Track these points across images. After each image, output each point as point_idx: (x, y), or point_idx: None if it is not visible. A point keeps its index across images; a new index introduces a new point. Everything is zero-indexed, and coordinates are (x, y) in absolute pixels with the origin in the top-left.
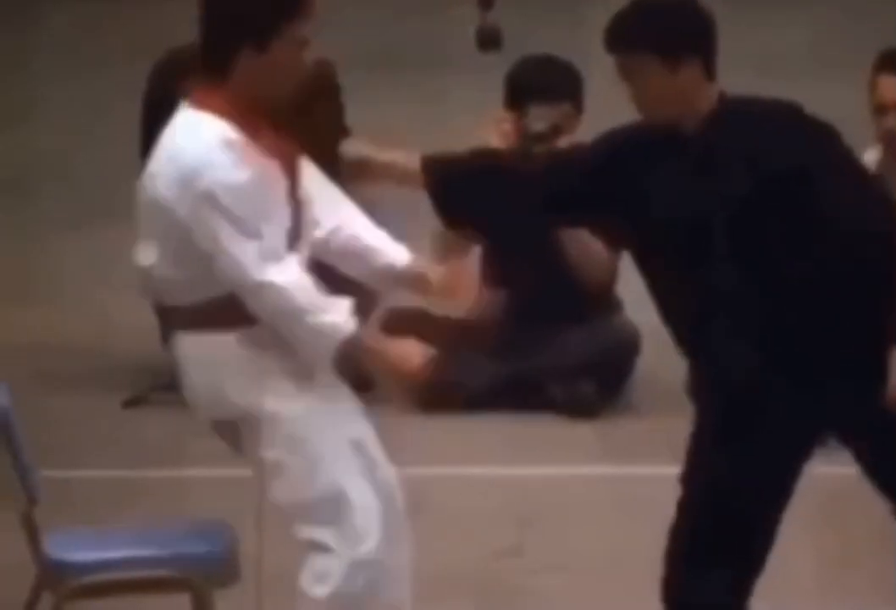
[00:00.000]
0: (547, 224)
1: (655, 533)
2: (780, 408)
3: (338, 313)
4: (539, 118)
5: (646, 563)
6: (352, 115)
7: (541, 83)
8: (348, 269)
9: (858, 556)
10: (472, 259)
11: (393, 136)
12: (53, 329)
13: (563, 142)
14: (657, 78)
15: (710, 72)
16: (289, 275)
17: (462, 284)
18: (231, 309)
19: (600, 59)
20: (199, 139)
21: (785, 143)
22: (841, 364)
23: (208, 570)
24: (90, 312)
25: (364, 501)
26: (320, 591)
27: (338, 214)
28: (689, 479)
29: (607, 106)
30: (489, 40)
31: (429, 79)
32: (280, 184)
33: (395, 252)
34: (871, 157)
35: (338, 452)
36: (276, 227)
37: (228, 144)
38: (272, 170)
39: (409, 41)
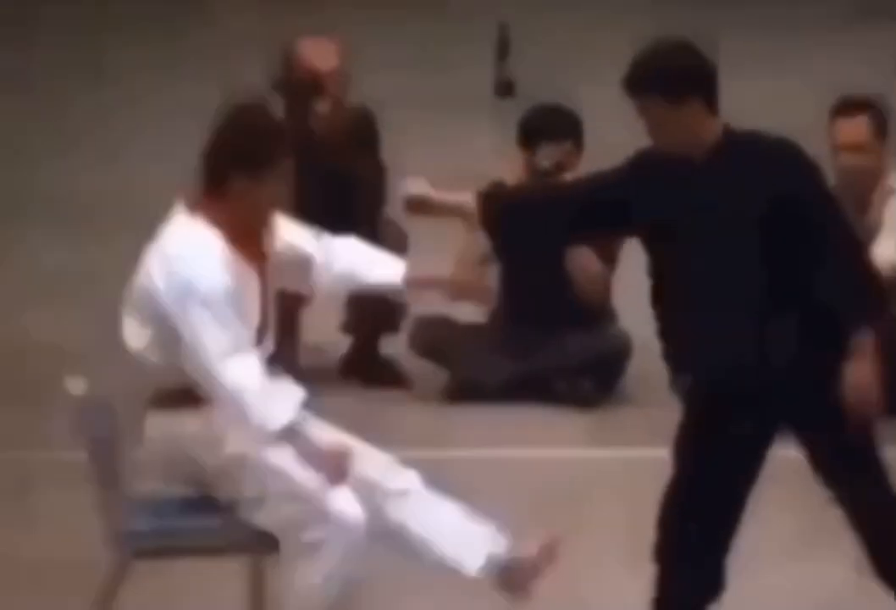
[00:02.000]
0: (579, 240)
1: (647, 505)
2: (750, 403)
3: (278, 406)
4: (546, 156)
5: (635, 529)
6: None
7: (548, 126)
8: (362, 292)
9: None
10: (493, 270)
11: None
12: None
13: (567, 176)
14: (664, 114)
15: (711, 107)
16: (244, 370)
17: (483, 290)
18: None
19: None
20: (190, 243)
21: (784, 171)
22: (810, 370)
23: (259, 538)
24: None
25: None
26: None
27: (337, 258)
28: (678, 459)
29: (603, 146)
30: (505, 90)
31: (453, 121)
32: (253, 287)
33: (391, 266)
34: None
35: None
36: (245, 325)
37: (214, 251)
38: (248, 275)
39: (438, 88)
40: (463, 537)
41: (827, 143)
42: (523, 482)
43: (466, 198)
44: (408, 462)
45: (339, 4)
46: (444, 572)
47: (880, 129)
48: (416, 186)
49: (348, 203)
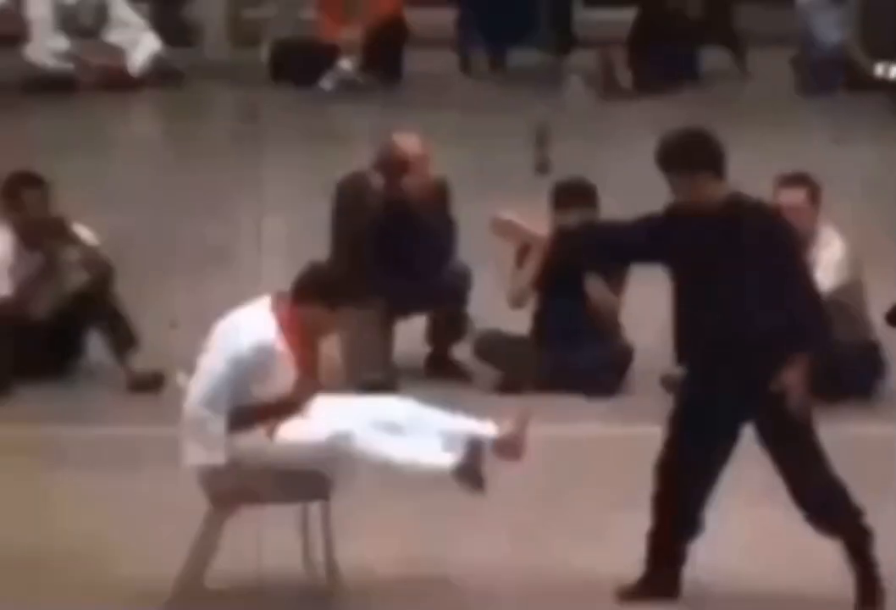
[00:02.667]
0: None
1: (648, 469)
2: (716, 394)
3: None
4: (572, 216)
5: (636, 483)
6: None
7: (575, 193)
8: None
9: None
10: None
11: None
12: None
13: None
14: (682, 181)
15: (719, 175)
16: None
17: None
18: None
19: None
20: (257, 328)
21: (768, 230)
22: (771, 371)
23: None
24: None
25: None
26: None
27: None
28: (671, 434)
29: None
30: (543, 168)
31: (503, 192)
32: (284, 372)
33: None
34: None
35: None
36: (257, 391)
37: (267, 335)
38: (286, 363)
39: (491, 167)
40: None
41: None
42: (554, 456)
43: (542, 231)
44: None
45: (422, 109)
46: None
47: (814, 197)
48: (506, 214)
49: (429, 248)
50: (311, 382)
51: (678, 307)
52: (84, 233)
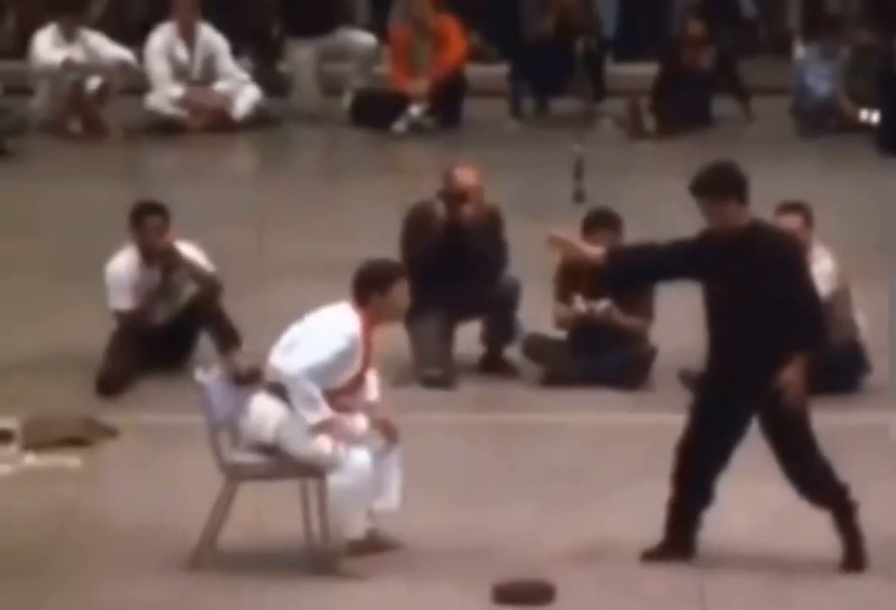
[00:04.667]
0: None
1: (667, 451)
2: (732, 389)
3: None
4: (601, 239)
5: (657, 462)
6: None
7: (602, 221)
8: None
9: None
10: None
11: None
12: None
13: None
14: (711, 207)
15: (743, 202)
16: (311, 386)
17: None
18: None
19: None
20: (343, 317)
21: (782, 254)
22: (769, 370)
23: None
24: None
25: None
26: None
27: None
28: (690, 422)
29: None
30: (580, 197)
31: (544, 219)
32: (360, 357)
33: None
34: None
35: None
36: (338, 372)
37: (352, 324)
38: (361, 354)
39: (532, 196)
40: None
41: None
42: (588, 439)
43: (593, 250)
44: (517, 424)
45: (477, 147)
46: None
47: (808, 222)
48: (561, 231)
49: (483, 264)
50: (366, 373)
51: (708, 318)
52: (191, 252)
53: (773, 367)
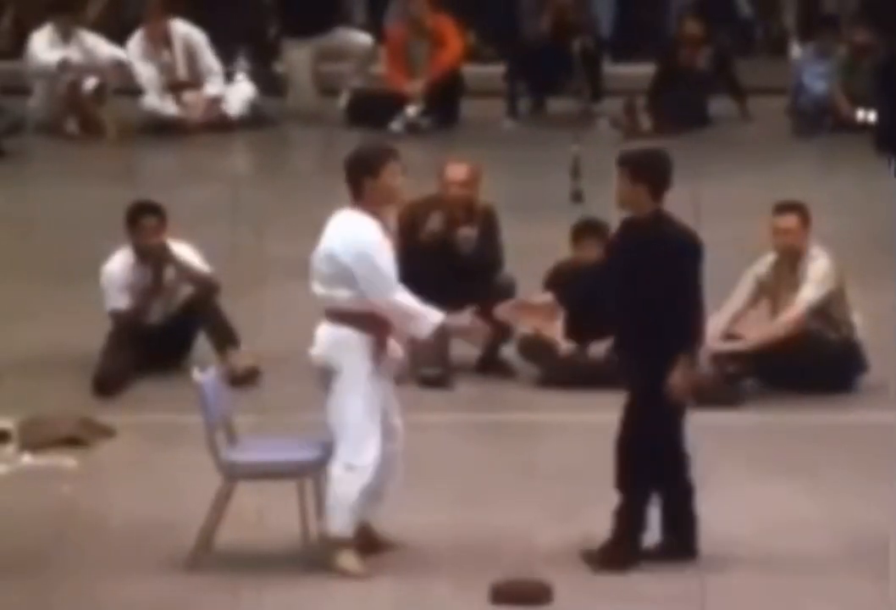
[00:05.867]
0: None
1: None
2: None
3: (430, 315)
4: (590, 247)
5: None
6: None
7: (589, 232)
8: None
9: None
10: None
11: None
12: None
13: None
14: (624, 184)
15: (654, 195)
16: (404, 296)
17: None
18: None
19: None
20: (357, 223)
21: (669, 251)
22: (651, 367)
23: (318, 466)
24: None
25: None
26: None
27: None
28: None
29: None
30: (577, 197)
31: (543, 218)
32: (389, 248)
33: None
34: (768, 260)
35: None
36: (390, 270)
37: (371, 226)
38: (386, 242)
39: (533, 195)
40: None
41: (769, 228)
42: (582, 437)
43: (542, 299)
44: (514, 424)
45: (474, 147)
46: None
47: (805, 222)
48: (503, 307)
49: (479, 263)
50: None
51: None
52: (187, 252)
53: (655, 364)
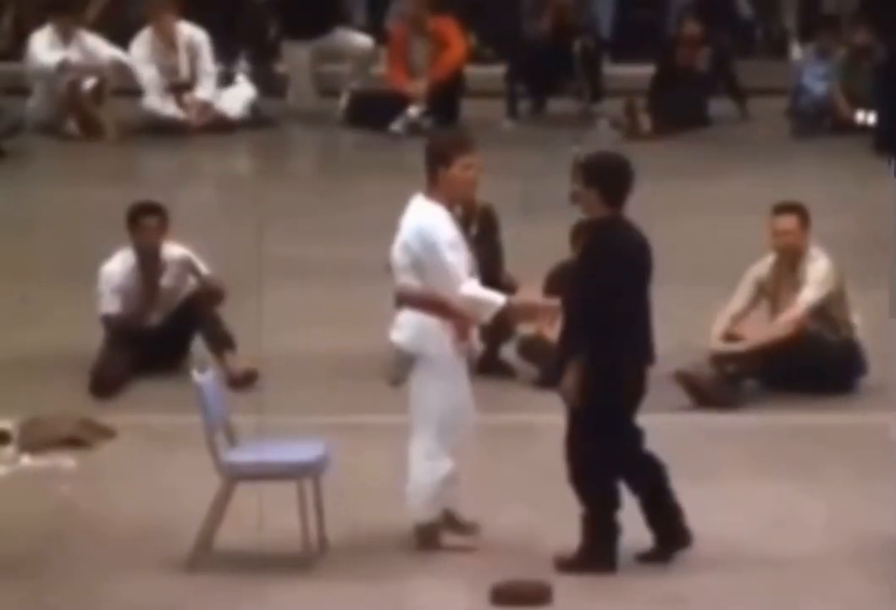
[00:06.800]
0: None
1: (658, 447)
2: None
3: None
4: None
5: None
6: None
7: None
8: None
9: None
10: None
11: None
12: None
13: None
14: (584, 191)
15: (605, 199)
16: (469, 284)
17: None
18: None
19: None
20: (429, 217)
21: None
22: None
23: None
24: None
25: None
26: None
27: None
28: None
29: None
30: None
31: (542, 218)
32: (460, 239)
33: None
34: (767, 261)
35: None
36: (459, 264)
37: (443, 216)
38: (457, 234)
39: (532, 195)
40: None
41: (769, 229)
42: None
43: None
44: (514, 424)
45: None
46: None
47: (804, 223)
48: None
49: (479, 263)
50: None
51: None
52: (176, 250)
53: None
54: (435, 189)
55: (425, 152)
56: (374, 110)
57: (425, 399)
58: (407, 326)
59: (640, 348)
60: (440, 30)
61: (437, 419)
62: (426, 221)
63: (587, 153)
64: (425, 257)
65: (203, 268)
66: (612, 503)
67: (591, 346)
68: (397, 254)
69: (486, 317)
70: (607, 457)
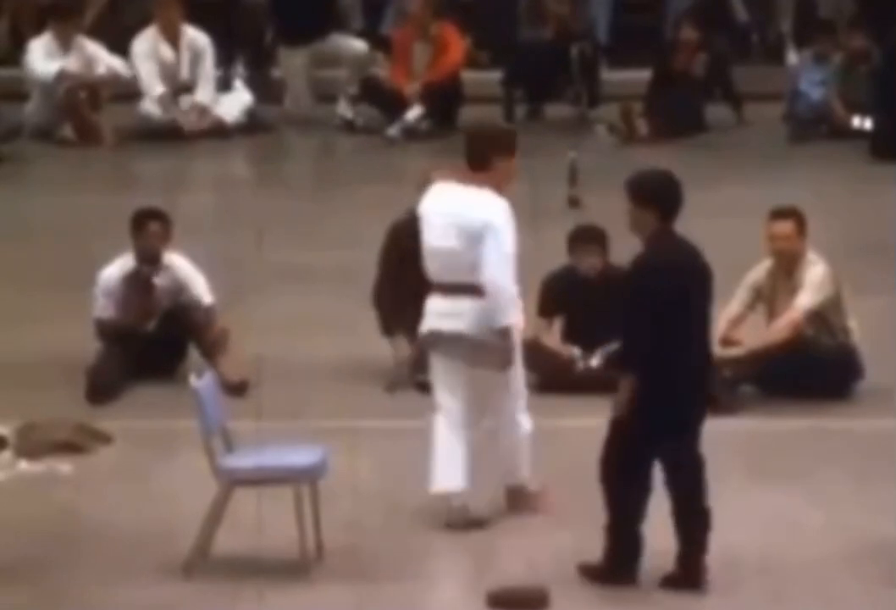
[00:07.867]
0: None
1: None
2: None
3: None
4: (587, 254)
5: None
6: None
7: (587, 239)
8: None
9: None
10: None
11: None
12: None
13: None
14: (631, 211)
15: (664, 216)
16: (511, 285)
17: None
18: None
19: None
20: (490, 205)
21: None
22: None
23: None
24: None
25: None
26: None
27: None
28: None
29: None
30: (574, 203)
31: (540, 223)
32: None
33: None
34: (764, 266)
35: None
36: (512, 255)
37: (503, 209)
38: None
39: (532, 201)
40: None
41: (766, 234)
42: (578, 442)
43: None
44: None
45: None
46: None
47: (801, 227)
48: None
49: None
50: None
51: None
52: (186, 267)
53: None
54: (485, 177)
55: (478, 139)
56: (383, 97)
57: (517, 381)
58: (469, 316)
59: (694, 364)
60: (442, 35)
61: (523, 396)
62: (489, 209)
63: (633, 174)
64: (486, 244)
65: (203, 292)
66: (634, 518)
67: (644, 360)
68: (459, 241)
69: (498, 325)
70: (642, 466)
